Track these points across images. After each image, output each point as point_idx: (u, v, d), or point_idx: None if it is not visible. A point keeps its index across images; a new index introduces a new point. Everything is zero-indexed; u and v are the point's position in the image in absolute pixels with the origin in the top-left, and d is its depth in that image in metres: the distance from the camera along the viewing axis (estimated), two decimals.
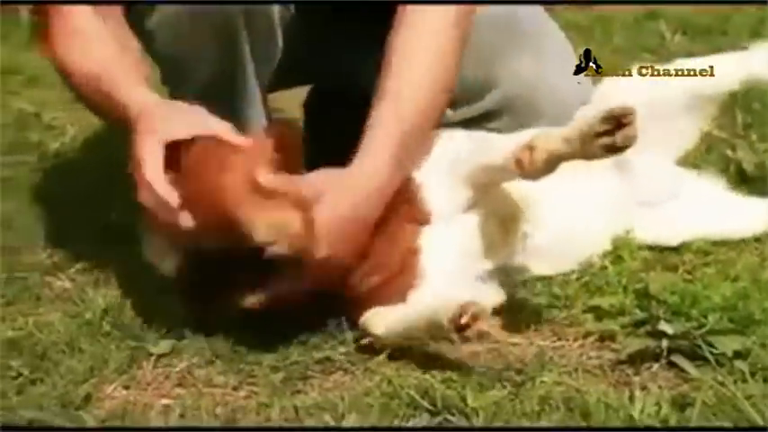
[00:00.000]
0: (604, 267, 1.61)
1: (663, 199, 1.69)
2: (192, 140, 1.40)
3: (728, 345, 1.34)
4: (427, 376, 1.33)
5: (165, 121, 1.43)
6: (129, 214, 1.80)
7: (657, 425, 1.22)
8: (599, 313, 1.50)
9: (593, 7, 3.21)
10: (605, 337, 1.44)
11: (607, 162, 1.64)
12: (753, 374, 1.30)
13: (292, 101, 2.19)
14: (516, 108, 1.74)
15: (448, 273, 1.47)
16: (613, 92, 1.67)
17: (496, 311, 1.47)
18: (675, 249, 1.68)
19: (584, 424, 1.24)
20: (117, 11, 1.59)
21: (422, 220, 1.49)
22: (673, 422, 1.22)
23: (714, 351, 1.34)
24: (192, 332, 1.46)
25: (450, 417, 1.26)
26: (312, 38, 1.70)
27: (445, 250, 1.48)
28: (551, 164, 1.36)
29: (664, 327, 1.37)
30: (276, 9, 1.59)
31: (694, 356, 1.35)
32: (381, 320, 1.41)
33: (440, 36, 1.50)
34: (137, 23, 1.60)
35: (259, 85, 1.66)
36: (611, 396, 1.28)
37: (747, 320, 1.39)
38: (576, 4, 3.15)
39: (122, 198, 1.88)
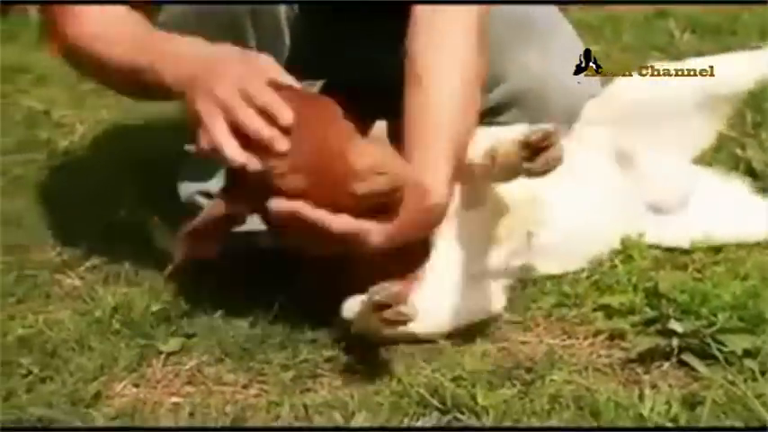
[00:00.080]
0: (614, 266, 1.60)
1: (674, 198, 1.68)
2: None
3: (738, 343, 1.34)
4: (437, 375, 1.33)
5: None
6: (138, 212, 1.82)
7: (667, 423, 1.22)
8: (609, 312, 1.49)
9: (603, 6, 3.22)
10: (615, 336, 1.44)
11: (617, 161, 1.65)
12: (763, 373, 1.30)
13: None
14: (525, 102, 1.74)
15: (448, 272, 1.46)
16: (624, 90, 1.66)
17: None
18: (685, 248, 1.67)
19: (593, 423, 1.24)
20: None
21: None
22: (683, 421, 1.22)
23: (724, 349, 1.33)
24: (201, 330, 1.46)
25: (459, 415, 1.25)
26: (316, 37, 1.70)
27: (445, 250, 1.48)
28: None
29: (674, 325, 1.36)
30: (282, 9, 1.59)
31: (704, 355, 1.34)
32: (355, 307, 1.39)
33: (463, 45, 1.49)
34: None
35: None
36: (620, 395, 1.28)
37: (757, 319, 1.38)
38: (587, 3, 3.16)
39: (131, 196, 1.90)
